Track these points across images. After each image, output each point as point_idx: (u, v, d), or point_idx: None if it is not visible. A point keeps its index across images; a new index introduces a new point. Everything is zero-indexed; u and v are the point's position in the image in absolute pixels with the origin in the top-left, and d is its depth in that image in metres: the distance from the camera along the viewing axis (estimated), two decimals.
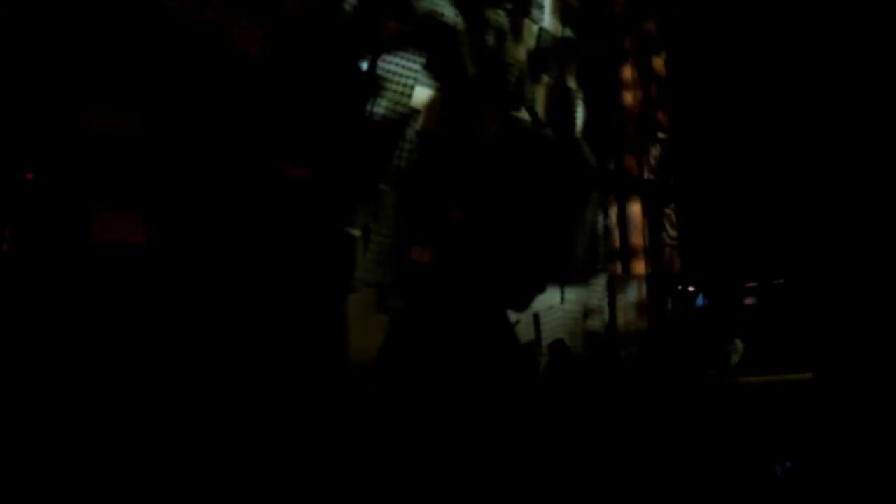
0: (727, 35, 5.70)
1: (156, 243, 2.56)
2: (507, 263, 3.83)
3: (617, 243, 5.06)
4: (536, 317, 3.94)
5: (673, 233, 5.52)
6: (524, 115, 4.20)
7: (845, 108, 5.34)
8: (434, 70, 3.60)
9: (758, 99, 5.67)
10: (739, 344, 4.89)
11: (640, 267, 5.12)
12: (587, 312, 4.44)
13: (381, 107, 3.37)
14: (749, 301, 5.50)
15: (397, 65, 3.44)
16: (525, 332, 3.88)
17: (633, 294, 5.04)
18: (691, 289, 5.51)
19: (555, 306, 4.12)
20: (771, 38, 5.59)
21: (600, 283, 4.62)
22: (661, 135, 5.36)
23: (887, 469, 3.86)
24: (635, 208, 5.16)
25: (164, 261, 2.57)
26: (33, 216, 2.34)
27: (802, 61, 5.51)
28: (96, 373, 2.33)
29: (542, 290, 4.02)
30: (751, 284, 5.52)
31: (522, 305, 3.87)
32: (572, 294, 4.35)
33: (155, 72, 2.63)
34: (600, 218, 4.78)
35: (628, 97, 5.25)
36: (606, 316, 4.63)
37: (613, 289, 4.98)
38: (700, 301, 5.50)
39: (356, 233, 3.11)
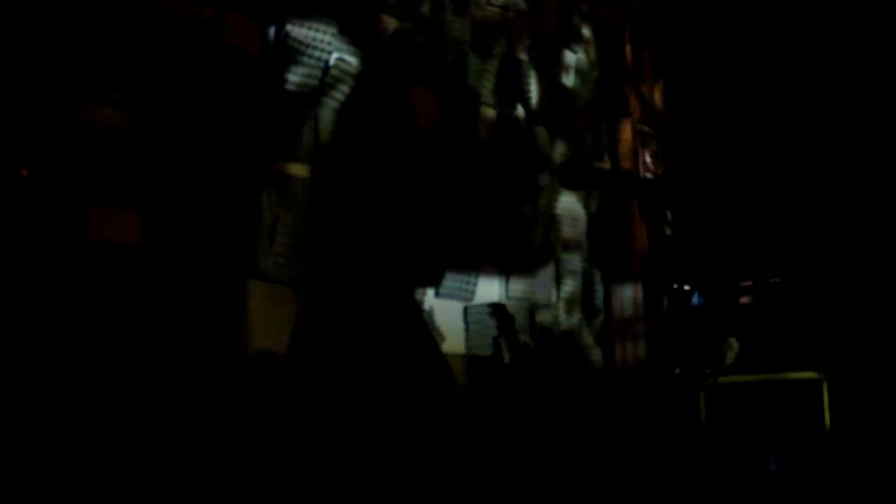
0: (724, 35, 5.71)
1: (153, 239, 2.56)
2: (434, 247, 3.62)
3: (612, 241, 5.04)
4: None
5: (669, 231, 5.52)
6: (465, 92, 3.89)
7: (842, 107, 5.35)
8: (352, 39, 3.30)
9: (754, 98, 5.67)
10: (735, 342, 4.89)
11: (635, 265, 5.12)
12: (535, 306, 4.21)
13: (292, 80, 3.07)
14: (744, 300, 5.51)
15: (309, 33, 3.12)
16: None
17: (627, 292, 5.03)
18: (687, 287, 5.52)
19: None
20: (767, 38, 5.59)
21: (549, 274, 4.39)
22: (632, 120, 5.17)
23: (884, 466, 3.88)
24: (632, 207, 5.13)
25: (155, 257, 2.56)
26: (29, 213, 2.33)
27: (799, 61, 5.52)
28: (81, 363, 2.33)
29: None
30: (746, 283, 5.53)
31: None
32: (515, 286, 4.12)
33: (152, 69, 2.63)
34: (563, 204, 4.56)
35: (590, 75, 4.94)
36: (560, 310, 4.44)
37: (609, 288, 4.98)
38: (695, 300, 5.51)
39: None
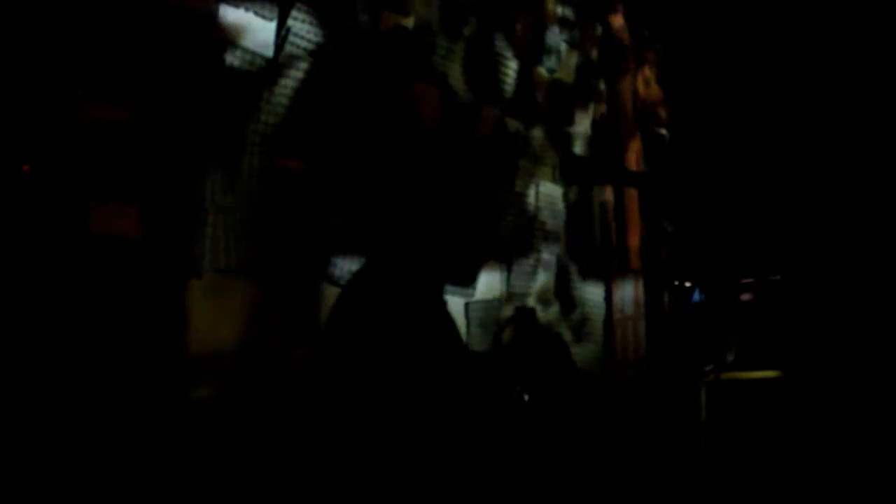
0: (725, 30, 5.71)
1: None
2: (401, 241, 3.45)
3: (613, 238, 5.03)
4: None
5: (670, 228, 5.52)
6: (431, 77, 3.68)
7: (841, 105, 5.35)
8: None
9: (755, 94, 5.67)
10: (736, 340, 4.90)
11: (635, 262, 5.11)
12: (511, 300, 4.09)
13: (237, 57, 2.87)
14: (745, 297, 5.51)
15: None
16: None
17: (628, 289, 5.02)
18: (688, 284, 5.51)
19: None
20: (769, 34, 5.59)
21: (528, 266, 4.27)
22: (624, 111, 5.07)
23: (883, 464, 3.88)
24: (632, 202, 5.12)
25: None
26: (30, 209, 2.33)
27: (800, 57, 5.52)
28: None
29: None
30: (747, 280, 5.53)
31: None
32: (491, 279, 4.01)
33: (151, 64, 2.62)
34: (543, 195, 4.42)
35: (575, 60, 4.73)
36: (538, 303, 4.32)
37: (610, 286, 4.97)
38: (696, 297, 5.51)
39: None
